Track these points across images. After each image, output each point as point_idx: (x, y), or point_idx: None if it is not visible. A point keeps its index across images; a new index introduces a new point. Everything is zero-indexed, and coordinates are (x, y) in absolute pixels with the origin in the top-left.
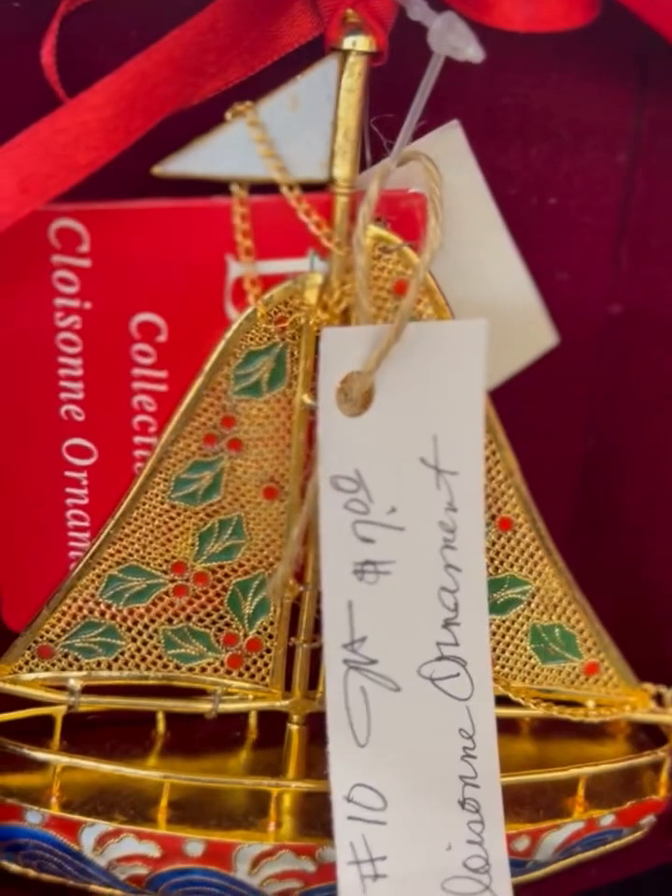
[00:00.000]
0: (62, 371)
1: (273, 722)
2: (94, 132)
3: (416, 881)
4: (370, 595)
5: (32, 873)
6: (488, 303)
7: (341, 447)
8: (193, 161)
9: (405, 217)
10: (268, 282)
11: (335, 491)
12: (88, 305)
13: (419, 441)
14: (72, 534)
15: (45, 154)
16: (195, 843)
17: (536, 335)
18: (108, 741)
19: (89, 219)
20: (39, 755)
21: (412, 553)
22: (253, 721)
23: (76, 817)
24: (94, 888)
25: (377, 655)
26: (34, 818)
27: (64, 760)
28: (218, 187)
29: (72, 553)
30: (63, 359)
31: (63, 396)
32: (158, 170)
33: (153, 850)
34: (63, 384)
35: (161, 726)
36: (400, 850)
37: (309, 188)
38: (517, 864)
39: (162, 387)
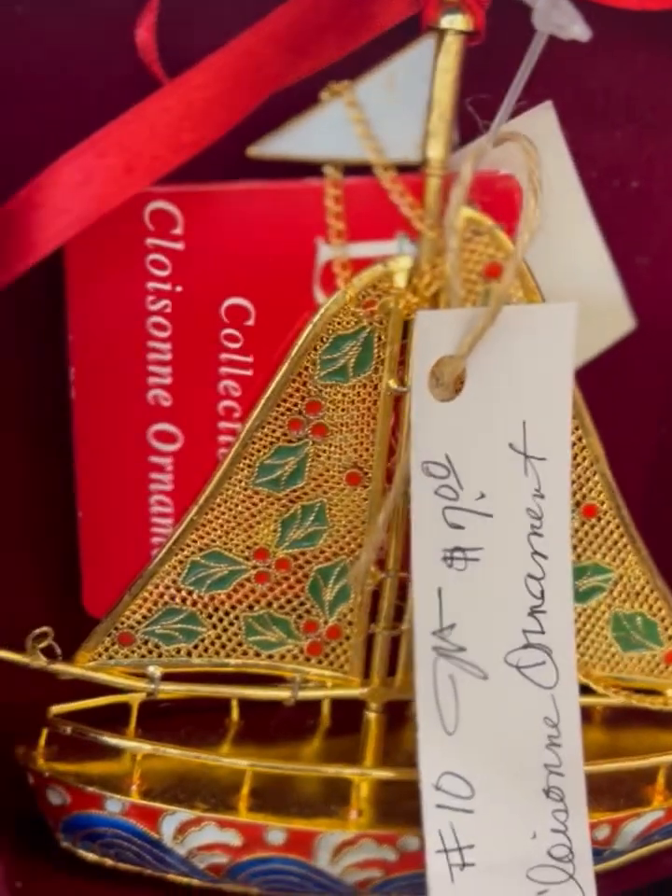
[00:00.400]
0: (151, 356)
1: (345, 710)
2: (200, 111)
3: (502, 870)
4: (458, 582)
5: (109, 861)
6: (568, 286)
7: (432, 432)
8: (289, 142)
9: (499, 199)
10: (357, 265)
11: (426, 477)
12: (179, 289)
13: (508, 425)
14: (155, 520)
15: (151, 134)
16: (277, 831)
17: (615, 320)
18: (183, 728)
19: (184, 201)
20: (124, 743)
21: (499, 539)
22: (326, 708)
23: (157, 805)
24: (171, 877)
25: (465, 643)
26: (113, 806)
27: (147, 748)
28: (304, 169)
29: (154, 540)
30: (152, 344)
31: (151, 381)
32: (253, 151)
33: (234, 839)
34: (151, 368)
35: (235, 714)
36: (487, 839)
37: (400, 169)
38: (595, 853)
39: (248, 372)
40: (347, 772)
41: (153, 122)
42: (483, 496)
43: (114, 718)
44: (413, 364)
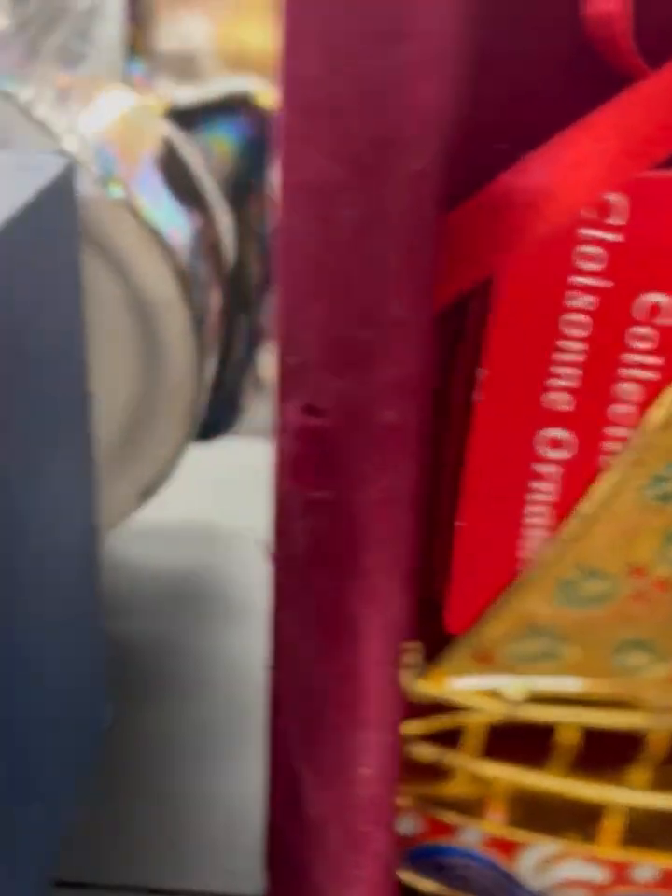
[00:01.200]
0: (556, 356)
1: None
2: None
3: None
4: None
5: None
6: None
7: None
8: None
9: None
10: None
11: None
12: (607, 285)
13: None
14: (527, 532)
15: (648, 114)
16: (647, 868)
17: None
18: (517, 753)
19: (631, 188)
20: (498, 771)
21: None
22: (660, 736)
23: (521, 835)
24: None
25: None
26: (471, 836)
27: (515, 773)
28: None
29: (522, 554)
30: (561, 343)
31: (552, 382)
32: None
33: (599, 875)
34: (554, 369)
35: (571, 737)
36: None
37: None
38: None
39: (654, 376)
40: None
41: (654, 101)
42: None
43: (438, 739)
44: None
